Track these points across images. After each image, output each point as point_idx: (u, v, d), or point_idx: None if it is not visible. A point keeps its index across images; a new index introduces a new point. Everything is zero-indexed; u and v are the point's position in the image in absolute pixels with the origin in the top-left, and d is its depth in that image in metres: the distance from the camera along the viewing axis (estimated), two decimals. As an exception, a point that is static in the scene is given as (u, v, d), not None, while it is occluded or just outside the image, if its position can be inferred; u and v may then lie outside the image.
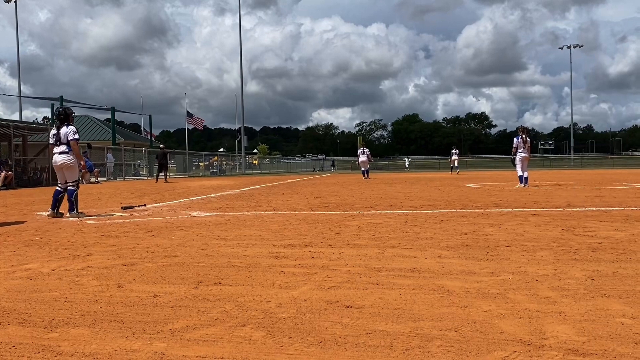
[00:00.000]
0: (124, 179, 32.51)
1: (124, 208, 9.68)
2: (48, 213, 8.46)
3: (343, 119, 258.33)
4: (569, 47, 71.80)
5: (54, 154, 8.53)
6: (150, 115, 53.56)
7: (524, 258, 4.26)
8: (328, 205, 10.06)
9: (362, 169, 27.25)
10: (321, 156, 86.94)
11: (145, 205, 10.27)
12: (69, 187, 8.46)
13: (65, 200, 8.49)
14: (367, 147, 28.04)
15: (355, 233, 5.93)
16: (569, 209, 8.31)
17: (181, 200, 12.29)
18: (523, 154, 15.40)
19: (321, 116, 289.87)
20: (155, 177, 27.51)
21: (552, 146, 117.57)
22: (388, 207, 9.27)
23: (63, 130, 8.48)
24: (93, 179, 26.23)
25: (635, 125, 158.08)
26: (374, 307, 2.89)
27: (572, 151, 75.63)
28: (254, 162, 66.50)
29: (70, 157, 8.46)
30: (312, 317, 2.72)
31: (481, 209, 8.69)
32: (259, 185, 20.84)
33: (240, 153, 56.39)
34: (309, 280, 3.59)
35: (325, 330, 2.51)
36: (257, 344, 2.34)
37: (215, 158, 54.56)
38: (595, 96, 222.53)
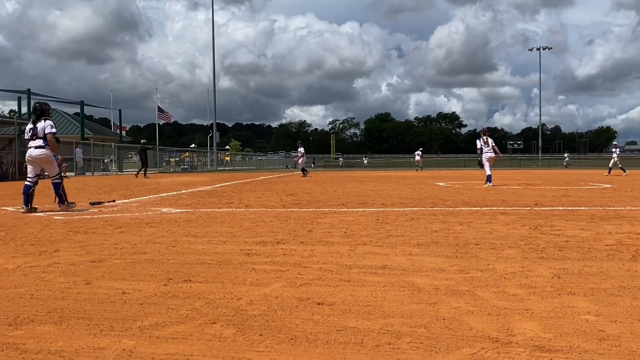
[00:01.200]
0: (93, 174, 31.98)
1: (93, 204, 9.52)
2: (22, 210, 8.29)
3: (316, 116, 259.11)
4: (538, 49, 72.91)
5: (30, 148, 8.43)
6: (120, 110, 52.75)
7: (493, 256, 4.33)
8: (300, 202, 10.06)
9: (303, 166, 28.04)
10: (294, 153, 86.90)
11: (114, 201, 10.12)
12: (53, 181, 8.44)
13: (46, 195, 8.56)
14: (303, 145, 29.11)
15: (327, 230, 5.94)
16: (537, 208, 8.45)
17: (151, 196, 12.15)
18: (489, 154, 15.95)
19: (294, 113, 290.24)
20: (137, 173, 27.33)
21: (521, 146, 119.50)
22: (360, 205, 9.31)
23: (40, 124, 8.41)
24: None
25: (602, 126, 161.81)
26: (345, 304, 2.90)
27: (540, 151, 76.99)
28: (226, 158, 66.09)
29: (47, 151, 8.40)
30: (283, 314, 2.72)
31: (451, 207, 8.79)
32: (231, 182, 20.71)
33: (212, 149, 55.98)
34: (280, 278, 3.58)
35: (296, 327, 2.51)
36: (227, 341, 2.32)
37: (187, 154, 53.99)
38: (563, 97, 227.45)
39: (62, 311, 2.81)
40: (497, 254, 4.40)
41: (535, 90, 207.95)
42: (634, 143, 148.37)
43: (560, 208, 8.50)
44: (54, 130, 8.51)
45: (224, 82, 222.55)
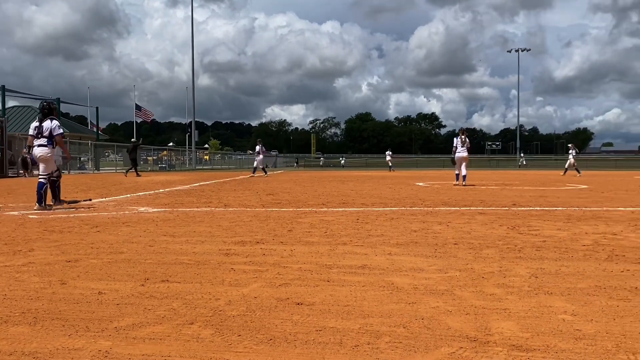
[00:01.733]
0: (69, 172, 31.56)
1: (69, 202, 9.38)
2: (35, 208, 8.37)
3: (297, 115, 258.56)
4: (517, 51, 73.69)
5: (34, 146, 8.62)
6: (97, 108, 52.07)
7: (471, 256, 4.36)
8: (280, 202, 10.04)
9: (260, 166, 27.68)
10: (274, 152, 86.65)
11: (90, 199, 10.00)
12: (40, 180, 8.53)
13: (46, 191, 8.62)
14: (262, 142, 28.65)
15: (307, 230, 5.93)
16: (515, 208, 8.54)
17: (128, 195, 12.02)
18: (463, 154, 16.24)
19: (275, 112, 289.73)
20: (127, 172, 27.19)
21: (499, 147, 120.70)
22: (340, 205, 9.32)
23: (47, 124, 8.58)
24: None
25: (579, 128, 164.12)
26: (324, 304, 2.89)
27: (518, 152, 77.79)
28: (205, 157, 65.65)
29: (48, 150, 8.58)
30: (262, 315, 2.70)
31: (430, 207, 8.84)
32: (209, 181, 20.59)
33: (191, 148, 55.56)
34: (259, 278, 3.56)
35: (275, 327, 2.50)
36: (205, 342, 2.30)
37: (165, 153, 53.51)
38: (541, 99, 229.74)
39: (36, 312, 2.75)
40: (475, 254, 4.43)
41: (514, 92, 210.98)
42: (610, 144, 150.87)
43: (538, 208, 8.60)
44: (61, 131, 8.75)
45: (203, 80, 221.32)
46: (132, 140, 29.72)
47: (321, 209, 8.45)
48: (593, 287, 3.27)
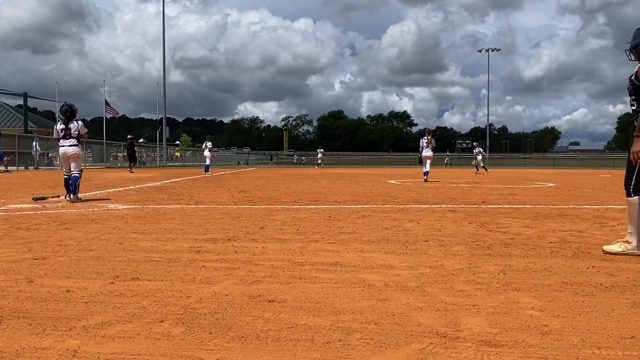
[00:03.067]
0: (37, 168, 30.91)
1: (36, 199, 9.20)
2: (68, 199, 9.15)
3: (269, 112, 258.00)
4: (487, 50, 74.59)
5: (63, 146, 9.44)
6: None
7: (441, 252, 4.41)
8: (252, 199, 10.00)
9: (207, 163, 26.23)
10: (246, 149, 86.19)
11: (58, 196, 9.81)
12: (73, 174, 9.34)
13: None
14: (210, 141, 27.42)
15: (280, 227, 5.92)
16: (484, 206, 8.66)
17: (97, 192, 11.84)
18: (428, 153, 17.66)
19: (247, 109, 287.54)
20: (130, 168, 27.02)
21: (469, 145, 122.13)
22: (312, 202, 9.33)
23: (74, 125, 9.47)
24: (2, 168, 24.80)
25: (546, 127, 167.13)
26: (296, 302, 2.89)
27: (487, 150, 78.81)
28: (176, 154, 64.95)
29: (79, 149, 9.58)
30: (234, 312, 2.69)
31: (401, 204, 8.91)
32: (180, 178, 20.39)
33: (162, 144, 54.91)
34: (231, 275, 3.55)
35: (247, 325, 2.49)
36: (175, 340, 2.28)
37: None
38: (510, 98, 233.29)
39: (2, 310, 2.70)
40: (445, 251, 4.48)
41: (484, 91, 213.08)
42: (577, 144, 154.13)
43: (507, 206, 8.74)
44: (86, 129, 9.76)
45: (175, 76, 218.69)
46: (129, 137, 29.79)
47: (293, 207, 8.45)
48: (560, 284, 3.34)
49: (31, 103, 44.90)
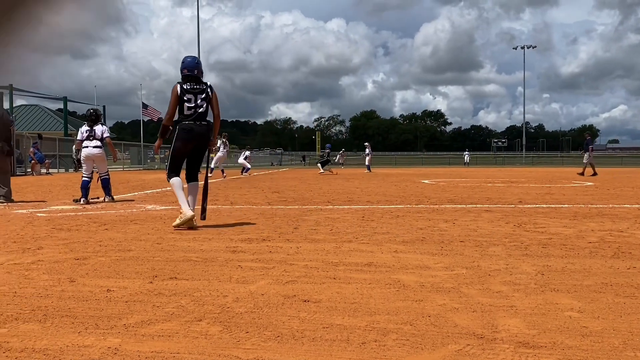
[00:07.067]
0: (77, 170, 31.66)
1: (76, 200, 9.43)
2: (82, 202, 9.16)
3: (302, 113, 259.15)
4: (522, 48, 73.27)
5: (87, 147, 9.63)
6: (104, 106, 52.18)
7: (477, 253, 4.36)
8: (286, 199, 10.05)
9: (216, 165, 21.18)
10: (279, 150, 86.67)
11: (98, 198, 10.04)
12: (103, 177, 9.76)
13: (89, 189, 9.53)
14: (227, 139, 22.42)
15: (313, 228, 5.95)
16: (521, 206, 8.53)
17: (136, 193, 12.07)
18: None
19: (280, 110, 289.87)
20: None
21: (505, 144, 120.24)
22: (345, 202, 9.33)
23: (98, 128, 9.71)
24: (44, 171, 25.49)
25: (584, 125, 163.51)
26: (331, 302, 2.90)
27: (524, 149, 77.53)
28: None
29: (102, 151, 9.75)
30: (270, 312, 2.72)
31: (436, 204, 8.84)
32: (216, 179, 20.63)
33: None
34: (266, 275, 3.58)
35: (283, 324, 2.51)
36: (213, 339, 2.32)
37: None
38: (547, 96, 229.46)
39: (46, 309, 2.78)
40: (481, 251, 4.43)
41: (520, 89, 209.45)
42: (616, 141, 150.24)
43: (544, 206, 8.59)
44: (110, 134, 10.06)
45: (210, 79, 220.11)
46: None
47: (327, 207, 8.46)
48: (600, 284, 3.27)
49: (71, 107, 45.89)
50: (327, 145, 32.34)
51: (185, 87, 5.95)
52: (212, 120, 6.19)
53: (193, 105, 5.94)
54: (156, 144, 6.42)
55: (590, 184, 15.98)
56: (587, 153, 22.63)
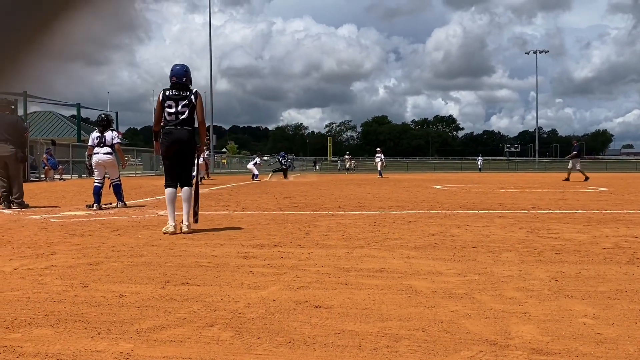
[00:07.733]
0: (90, 176, 31.90)
1: (89, 206, 9.50)
2: (95, 208, 9.17)
3: (313, 119, 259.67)
4: (535, 52, 72.93)
5: (97, 153, 9.70)
6: (117, 112, 52.56)
7: (490, 259, 4.33)
8: (297, 205, 10.06)
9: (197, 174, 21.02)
10: (291, 156, 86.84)
11: (110, 203, 10.10)
12: (115, 183, 9.75)
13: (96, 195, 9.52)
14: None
15: (325, 233, 5.94)
16: (534, 211, 8.47)
17: (148, 199, 12.13)
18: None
19: (291, 116, 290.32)
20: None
21: (518, 149, 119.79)
22: (357, 208, 9.31)
23: (108, 134, 9.75)
24: (57, 177, 25.70)
25: (598, 130, 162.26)
26: (342, 307, 2.90)
27: (537, 155, 77.02)
28: (223, 161, 65.90)
29: (113, 157, 9.76)
30: (281, 317, 2.71)
31: (448, 210, 8.80)
32: (227, 184, 20.70)
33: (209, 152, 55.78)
34: (277, 281, 3.58)
35: (294, 330, 2.51)
36: (225, 344, 2.32)
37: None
38: (560, 101, 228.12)
39: (59, 314, 2.80)
40: (494, 257, 4.41)
41: (533, 93, 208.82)
42: (630, 146, 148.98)
43: (557, 211, 8.52)
44: (119, 140, 10.09)
45: (221, 85, 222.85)
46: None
47: (338, 212, 8.46)
48: (614, 291, 3.24)
49: (84, 113, 46.43)
50: (281, 153, 32.73)
51: (168, 93, 6.18)
52: (197, 127, 6.38)
53: (174, 111, 6.15)
54: (155, 146, 6.63)
55: (605, 189, 15.84)
56: (572, 160, 22.84)
